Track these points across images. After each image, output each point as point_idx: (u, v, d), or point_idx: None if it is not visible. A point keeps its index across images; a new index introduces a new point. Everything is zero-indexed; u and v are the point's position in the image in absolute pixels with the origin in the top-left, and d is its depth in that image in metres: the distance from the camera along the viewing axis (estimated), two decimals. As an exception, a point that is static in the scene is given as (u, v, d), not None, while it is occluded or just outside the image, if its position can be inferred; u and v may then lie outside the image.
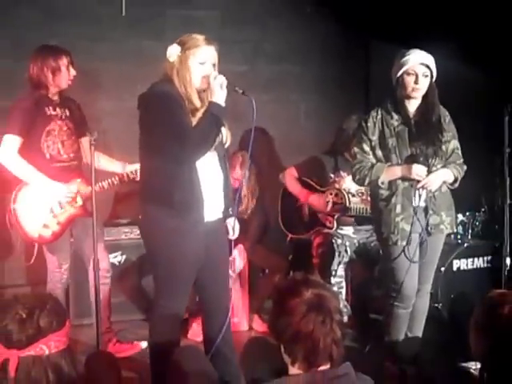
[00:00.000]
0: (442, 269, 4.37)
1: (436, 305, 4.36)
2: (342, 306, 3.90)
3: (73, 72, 3.90)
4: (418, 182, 3.54)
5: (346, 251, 4.44)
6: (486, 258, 4.60)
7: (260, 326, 4.59)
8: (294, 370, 2.02)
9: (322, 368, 2.00)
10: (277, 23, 5.50)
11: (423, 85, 3.56)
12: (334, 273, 4.36)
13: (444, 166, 3.62)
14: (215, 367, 2.85)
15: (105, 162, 4.08)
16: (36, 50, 3.88)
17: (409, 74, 3.54)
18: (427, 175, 3.54)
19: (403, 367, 3.65)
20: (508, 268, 3.91)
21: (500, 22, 4.52)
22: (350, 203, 4.46)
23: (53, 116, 3.86)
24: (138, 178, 3.59)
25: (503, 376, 2.14)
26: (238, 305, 4.61)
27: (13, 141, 3.74)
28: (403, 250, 3.57)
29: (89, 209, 3.81)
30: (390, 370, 3.69)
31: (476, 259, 4.58)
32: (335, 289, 4.23)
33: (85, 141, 4.01)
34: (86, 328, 4.20)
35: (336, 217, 4.54)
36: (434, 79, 3.59)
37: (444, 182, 3.63)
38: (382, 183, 3.60)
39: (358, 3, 5.40)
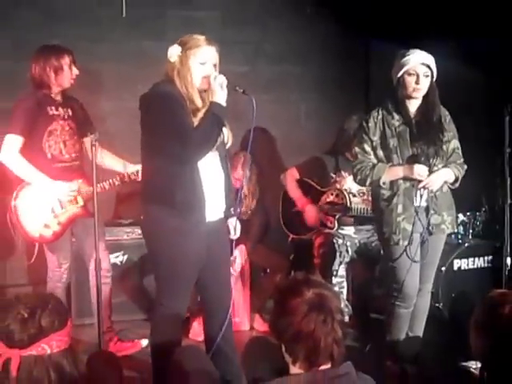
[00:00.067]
0: (443, 268, 4.37)
1: (437, 304, 4.36)
2: (343, 305, 3.87)
3: (75, 71, 3.89)
4: (420, 182, 3.55)
5: (347, 251, 4.45)
6: (486, 258, 4.59)
7: (261, 326, 4.59)
8: (295, 370, 2.03)
9: (322, 367, 2.00)
10: (277, 24, 5.50)
11: (424, 85, 3.56)
12: (335, 273, 4.37)
13: (445, 166, 3.62)
14: (216, 367, 2.85)
15: (110, 161, 4.09)
16: (38, 49, 3.87)
17: (410, 74, 3.55)
18: (428, 175, 3.54)
19: (404, 366, 3.66)
20: (508, 268, 3.91)
21: (500, 21, 4.52)
22: (350, 203, 4.46)
23: (55, 116, 3.86)
24: (139, 179, 3.60)
25: (503, 375, 2.14)
26: (239, 304, 4.62)
27: (14, 140, 3.74)
28: (405, 250, 3.58)
29: (90, 209, 3.82)
30: (390, 370, 3.69)
31: (477, 259, 4.58)
32: (336, 289, 4.24)
33: (87, 141, 4.01)
34: (87, 327, 4.21)
35: (337, 217, 4.55)
36: (434, 79, 3.60)
37: (445, 182, 3.64)
38: (384, 183, 3.60)
39: (358, 4, 5.41)
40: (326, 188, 4.64)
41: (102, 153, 3.86)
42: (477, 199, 4.76)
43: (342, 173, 4.58)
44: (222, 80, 3.04)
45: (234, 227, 3.39)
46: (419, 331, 3.82)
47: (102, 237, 4.01)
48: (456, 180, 3.66)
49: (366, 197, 4.43)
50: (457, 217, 4.02)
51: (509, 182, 3.86)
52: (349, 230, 4.57)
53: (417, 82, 3.54)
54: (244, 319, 4.66)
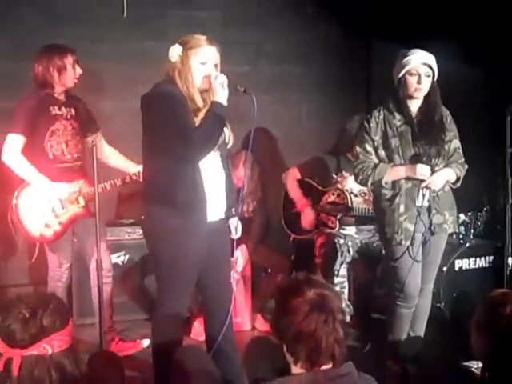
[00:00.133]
0: (444, 268, 4.37)
1: (438, 304, 4.36)
2: (344, 305, 3.89)
3: (79, 70, 3.88)
4: (422, 181, 3.55)
5: (348, 251, 4.45)
6: (487, 258, 4.59)
7: (263, 326, 4.59)
8: (296, 370, 2.03)
9: (324, 367, 2.00)
10: (278, 24, 5.50)
11: (426, 85, 3.56)
12: (336, 273, 4.38)
13: (446, 166, 3.63)
14: (218, 366, 2.84)
15: (116, 160, 4.09)
16: (41, 48, 3.86)
17: (411, 74, 3.55)
18: (431, 175, 3.54)
19: (405, 366, 3.66)
20: (510, 268, 3.92)
21: (501, 21, 4.52)
22: (352, 203, 4.46)
23: (58, 116, 3.85)
24: (140, 180, 3.60)
25: (505, 375, 2.14)
26: (241, 304, 4.62)
27: (16, 140, 3.74)
28: (407, 250, 3.58)
29: (91, 209, 3.81)
30: (392, 369, 3.69)
31: (478, 259, 4.58)
32: (338, 288, 4.24)
33: (89, 141, 4.00)
34: (88, 327, 4.21)
35: (338, 217, 4.55)
36: (435, 79, 3.60)
37: (447, 182, 3.64)
38: (386, 183, 3.60)
39: (360, 4, 5.40)
40: (327, 188, 4.64)
41: (108, 150, 3.86)
42: (478, 199, 4.76)
43: (344, 173, 4.59)
44: (223, 79, 3.04)
45: (235, 227, 3.39)
46: (420, 331, 3.82)
47: (103, 237, 4.02)
48: (457, 180, 3.66)
49: (367, 197, 4.44)
50: (458, 217, 4.02)
51: (510, 182, 3.86)
52: (350, 230, 4.57)
53: (418, 82, 3.54)
54: (245, 319, 4.66)
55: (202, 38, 3.10)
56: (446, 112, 3.70)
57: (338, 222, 4.55)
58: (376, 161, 3.64)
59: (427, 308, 3.82)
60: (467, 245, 4.57)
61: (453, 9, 4.71)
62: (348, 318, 4.21)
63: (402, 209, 3.57)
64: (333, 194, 4.59)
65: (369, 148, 3.64)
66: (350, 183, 4.51)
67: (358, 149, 3.68)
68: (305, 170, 4.78)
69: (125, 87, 4.93)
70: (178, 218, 3.04)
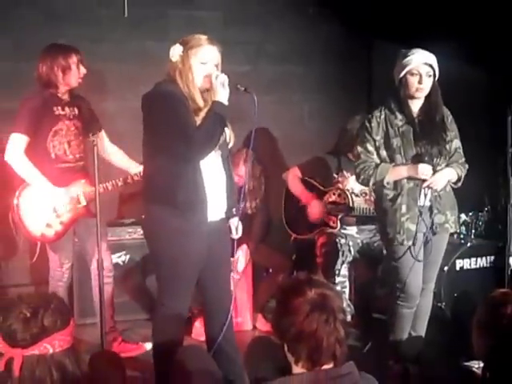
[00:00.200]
0: (445, 268, 4.36)
1: (439, 304, 4.35)
2: (345, 305, 3.85)
3: (83, 70, 3.88)
4: (424, 181, 3.55)
5: (349, 251, 4.45)
6: (489, 258, 4.59)
7: (264, 326, 4.59)
8: (297, 369, 2.03)
9: (325, 367, 2.00)
10: (279, 24, 5.50)
11: (427, 85, 3.56)
12: (337, 272, 4.38)
13: (447, 165, 3.63)
14: (219, 366, 2.84)
15: (120, 159, 4.09)
16: (45, 48, 3.85)
17: (412, 74, 3.55)
18: (433, 175, 3.54)
19: (406, 366, 3.66)
20: (511, 268, 3.92)
21: (502, 21, 4.51)
22: (353, 203, 4.46)
23: (61, 116, 3.85)
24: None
25: (506, 375, 2.14)
26: (242, 304, 4.62)
27: (19, 140, 3.74)
28: (409, 250, 3.58)
29: (92, 209, 3.81)
30: (393, 369, 3.69)
31: (479, 259, 4.57)
32: (339, 288, 4.24)
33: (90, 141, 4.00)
34: (89, 327, 4.21)
35: (339, 217, 4.55)
36: (436, 79, 3.59)
37: (448, 181, 3.64)
38: (388, 183, 3.60)
39: (361, 4, 5.40)
40: (328, 188, 4.64)
41: (110, 148, 3.85)
42: (479, 199, 4.76)
43: (345, 173, 4.58)
44: (224, 79, 3.04)
45: (236, 227, 3.39)
46: (421, 331, 3.82)
47: (104, 237, 4.02)
48: (458, 179, 3.66)
49: (368, 197, 4.43)
50: (459, 216, 4.01)
51: (511, 182, 3.86)
52: (351, 230, 4.57)
53: (419, 82, 3.54)
54: (246, 319, 4.66)
55: (203, 37, 3.10)
56: (446, 112, 3.70)
57: (339, 222, 4.55)
58: (377, 161, 3.64)
59: (428, 308, 3.82)
60: (468, 245, 4.56)
61: (454, 9, 4.71)
62: (349, 318, 4.21)
63: (403, 209, 3.57)
64: (334, 194, 4.59)
65: (370, 148, 3.64)
66: (351, 183, 4.50)
67: (360, 149, 3.68)
68: (306, 170, 4.77)
69: (126, 87, 4.93)
70: (179, 218, 3.04)
